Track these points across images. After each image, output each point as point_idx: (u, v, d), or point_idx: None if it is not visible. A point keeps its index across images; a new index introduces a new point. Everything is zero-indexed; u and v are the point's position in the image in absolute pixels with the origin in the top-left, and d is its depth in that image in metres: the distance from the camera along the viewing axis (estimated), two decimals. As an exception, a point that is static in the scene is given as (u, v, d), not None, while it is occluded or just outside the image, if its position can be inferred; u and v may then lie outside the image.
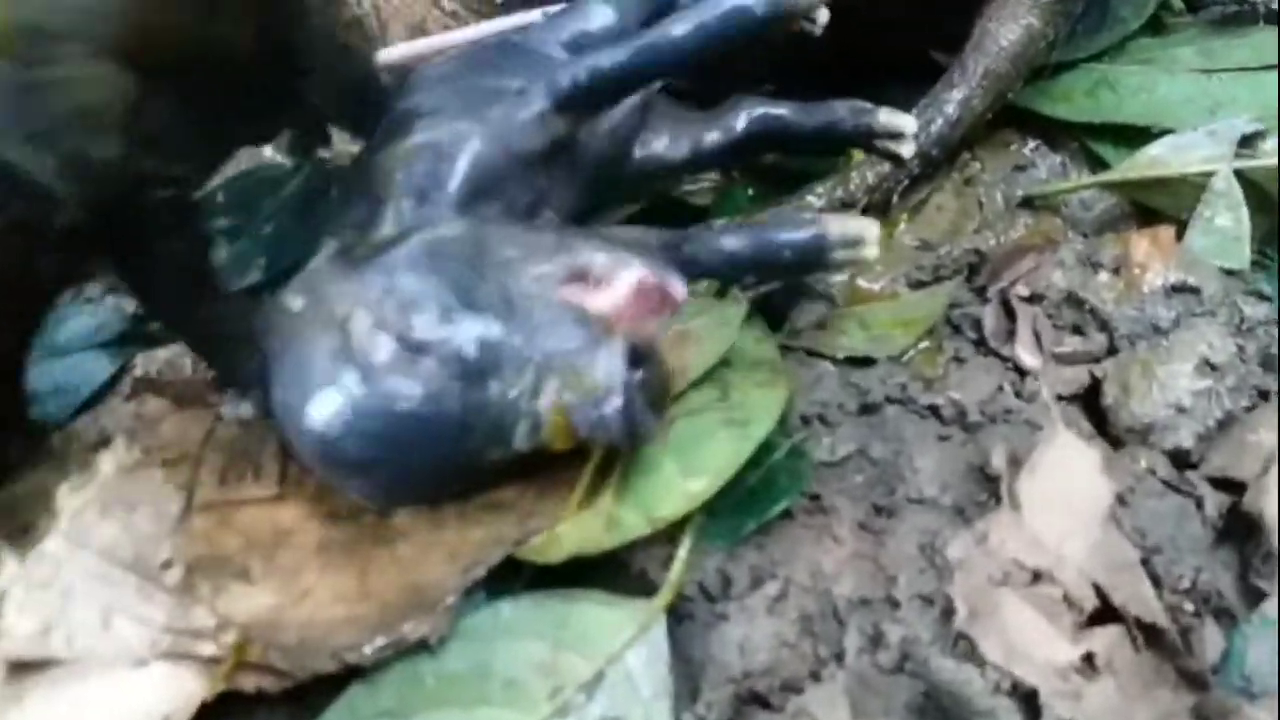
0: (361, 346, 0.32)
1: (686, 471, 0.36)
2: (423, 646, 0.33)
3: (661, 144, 0.46)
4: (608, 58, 0.38)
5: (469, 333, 0.32)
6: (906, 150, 0.43)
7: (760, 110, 0.46)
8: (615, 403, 0.31)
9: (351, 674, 0.33)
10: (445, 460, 0.33)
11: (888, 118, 0.43)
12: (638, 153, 0.45)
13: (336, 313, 0.33)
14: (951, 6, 0.51)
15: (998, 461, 0.34)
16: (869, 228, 0.40)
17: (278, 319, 0.35)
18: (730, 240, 0.40)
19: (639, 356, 0.32)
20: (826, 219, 0.40)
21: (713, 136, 0.46)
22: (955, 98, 0.49)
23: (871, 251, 0.40)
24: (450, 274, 0.33)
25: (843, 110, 0.45)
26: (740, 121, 0.46)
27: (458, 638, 0.34)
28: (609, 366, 0.31)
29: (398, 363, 0.31)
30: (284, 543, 0.35)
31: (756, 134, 0.46)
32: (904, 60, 0.55)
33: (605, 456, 0.36)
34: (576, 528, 0.35)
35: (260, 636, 0.33)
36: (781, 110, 0.46)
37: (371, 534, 0.35)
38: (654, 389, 0.32)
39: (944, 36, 0.52)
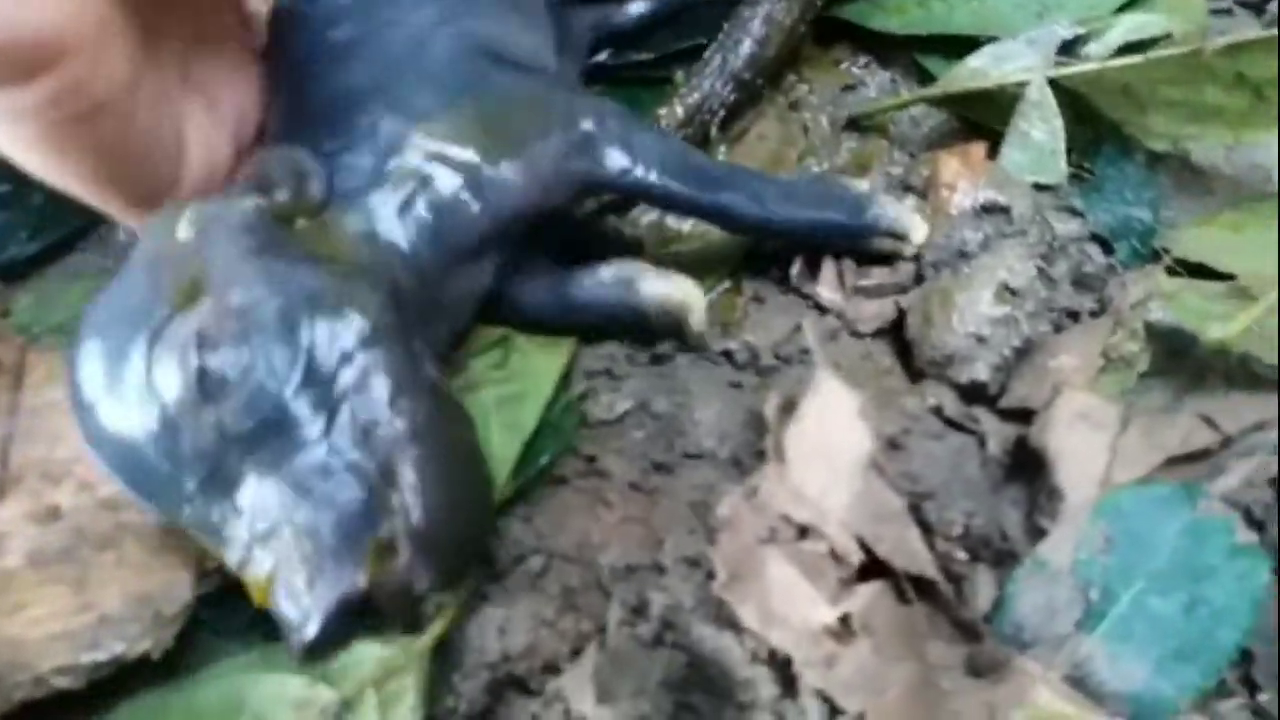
0: (181, 329, 0.25)
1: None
2: (147, 665, 0.31)
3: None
4: (672, 182, 0.35)
5: (271, 420, 0.25)
6: (908, 250, 0.40)
7: None
8: (302, 637, 0.24)
9: (79, 699, 0.30)
10: (151, 493, 0.26)
11: (896, 216, 0.39)
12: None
13: (201, 275, 0.26)
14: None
15: (769, 410, 0.32)
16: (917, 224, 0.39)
17: (157, 229, 0.28)
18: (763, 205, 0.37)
19: (373, 608, 0.25)
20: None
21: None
22: (759, 14, 0.46)
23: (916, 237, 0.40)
24: (324, 350, 0.26)
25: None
26: None
27: (216, 669, 0.32)
28: (318, 603, 0.24)
29: (183, 373, 0.25)
30: (-3, 551, 0.32)
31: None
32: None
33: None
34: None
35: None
36: None
37: (97, 536, 0.32)
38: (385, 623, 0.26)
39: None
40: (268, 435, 0.25)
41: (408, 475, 0.25)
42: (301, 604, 0.24)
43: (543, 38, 0.40)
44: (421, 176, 0.31)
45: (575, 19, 0.47)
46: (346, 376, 0.26)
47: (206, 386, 0.25)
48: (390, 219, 0.31)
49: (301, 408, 0.26)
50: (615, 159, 0.34)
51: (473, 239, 0.32)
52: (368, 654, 0.31)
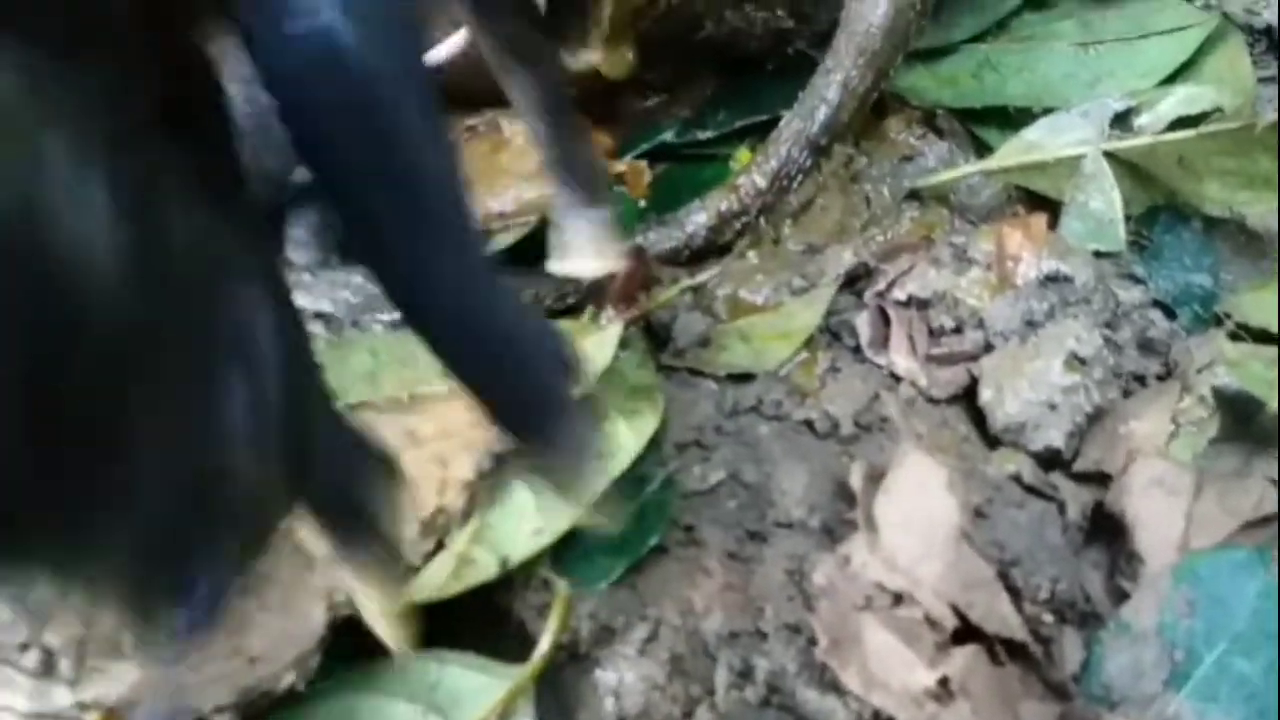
0: None
1: (541, 509, 0.35)
2: (293, 697, 0.33)
3: None
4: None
5: None
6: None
7: None
8: None
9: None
10: None
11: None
12: None
13: None
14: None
15: (855, 481, 0.34)
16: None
17: None
18: None
19: None
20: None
21: None
22: (834, 81, 0.48)
23: None
24: None
25: None
26: None
27: (329, 694, 0.35)
28: None
29: None
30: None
31: None
32: (783, 59, 0.55)
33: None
34: (425, 571, 0.35)
35: (129, 713, 0.33)
36: None
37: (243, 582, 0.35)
38: None
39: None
40: None
41: None
42: None
43: None
44: None
45: None
46: None
47: None
48: None
49: None
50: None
51: None
52: (477, 683, 0.33)
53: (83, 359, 0.13)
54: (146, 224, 0.14)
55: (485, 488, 0.37)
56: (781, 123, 0.49)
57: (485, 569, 0.34)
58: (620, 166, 0.54)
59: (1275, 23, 0.50)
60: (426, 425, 0.39)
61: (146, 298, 0.14)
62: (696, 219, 0.48)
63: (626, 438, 0.38)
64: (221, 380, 0.16)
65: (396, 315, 0.31)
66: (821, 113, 0.48)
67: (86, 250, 0.13)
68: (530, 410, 0.22)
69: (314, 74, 0.17)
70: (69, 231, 0.13)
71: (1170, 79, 0.49)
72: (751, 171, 0.48)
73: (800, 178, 0.49)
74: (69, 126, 0.13)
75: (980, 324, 0.42)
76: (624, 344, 0.44)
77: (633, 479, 0.38)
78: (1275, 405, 0.35)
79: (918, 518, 0.33)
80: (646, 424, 0.39)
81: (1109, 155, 0.45)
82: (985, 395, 0.40)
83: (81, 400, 0.14)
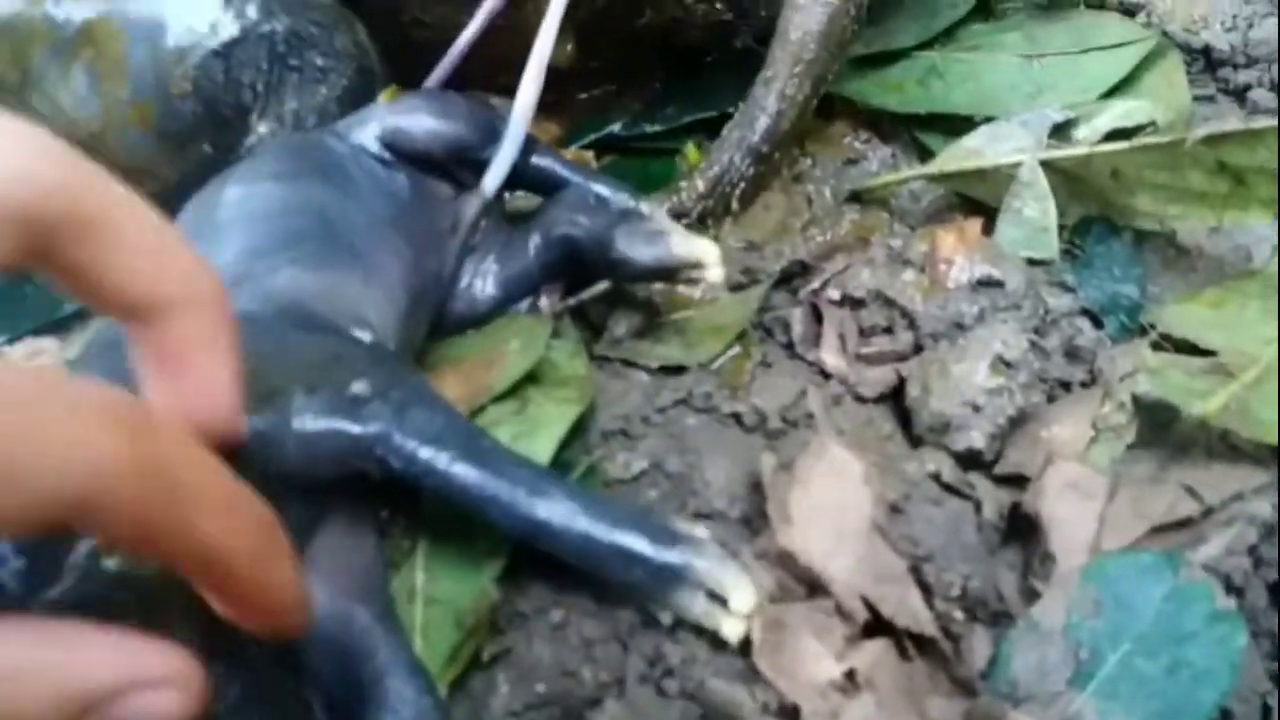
0: None
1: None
2: None
3: (472, 286, 0.45)
4: (455, 465, 0.30)
5: None
6: (714, 276, 0.40)
7: (558, 234, 0.43)
8: None
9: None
10: None
11: (683, 248, 0.40)
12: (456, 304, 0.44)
13: None
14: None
15: (765, 472, 0.34)
16: (709, 250, 0.40)
17: None
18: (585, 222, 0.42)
19: None
20: (671, 237, 0.41)
21: (517, 269, 0.44)
22: (773, 90, 0.48)
23: (715, 274, 0.40)
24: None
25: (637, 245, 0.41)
26: (538, 250, 0.44)
27: None
28: None
29: None
30: None
31: (556, 260, 0.44)
32: (730, 53, 0.55)
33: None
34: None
35: None
36: (578, 233, 0.43)
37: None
38: None
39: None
40: None
41: None
42: None
43: (381, 293, 0.37)
44: None
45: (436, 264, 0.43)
46: None
47: None
48: None
49: None
50: (380, 425, 0.30)
51: None
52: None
53: None
54: None
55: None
56: (724, 130, 0.49)
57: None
58: (567, 155, 0.54)
59: (1212, 43, 0.51)
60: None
61: None
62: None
63: (552, 425, 0.38)
64: None
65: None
66: (762, 122, 0.49)
67: None
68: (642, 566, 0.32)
69: None
70: None
71: (1109, 93, 0.49)
72: (694, 176, 0.49)
73: (742, 184, 0.49)
74: None
75: (911, 325, 0.42)
76: (557, 333, 0.43)
77: (556, 466, 0.37)
78: (1190, 415, 0.35)
79: (831, 510, 0.32)
80: (572, 412, 0.39)
81: (1046, 165, 0.45)
82: (911, 395, 0.40)
83: None
